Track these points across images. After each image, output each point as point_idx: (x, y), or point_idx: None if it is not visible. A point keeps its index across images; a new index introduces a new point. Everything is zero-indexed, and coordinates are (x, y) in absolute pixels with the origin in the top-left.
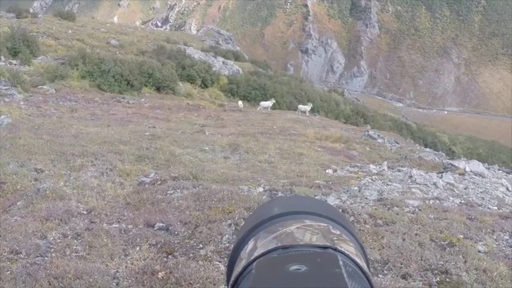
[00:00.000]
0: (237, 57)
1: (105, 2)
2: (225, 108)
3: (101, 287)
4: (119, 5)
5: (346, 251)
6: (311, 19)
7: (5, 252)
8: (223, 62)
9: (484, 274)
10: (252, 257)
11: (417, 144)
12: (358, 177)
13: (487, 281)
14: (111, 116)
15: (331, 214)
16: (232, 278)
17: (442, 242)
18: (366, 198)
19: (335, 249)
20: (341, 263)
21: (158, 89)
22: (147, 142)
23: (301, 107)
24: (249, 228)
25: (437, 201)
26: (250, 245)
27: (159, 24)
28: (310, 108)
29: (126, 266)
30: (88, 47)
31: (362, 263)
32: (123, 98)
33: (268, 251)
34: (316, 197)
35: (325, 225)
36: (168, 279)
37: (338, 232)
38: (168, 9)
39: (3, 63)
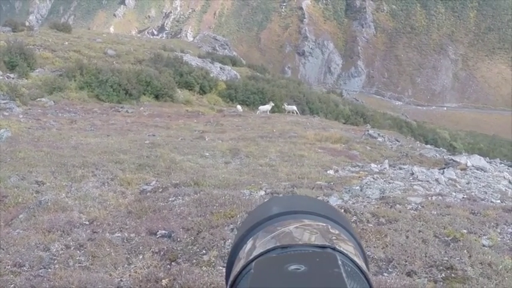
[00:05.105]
0: (234, 63)
1: (100, 12)
2: (224, 113)
3: None
4: (114, 15)
5: (345, 251)
6: (306, 21)
7: (8, 265)
8: (220, 68)
9: (489, 268)
10: (251, 257)
11: (418, 142)
12: (359, 177)
13: (492, 275)
14: (110, 125)
15: (330, 214)
16: (231, 278)
17: (446, 238)
18: (368, 197)
19: (334, 249)
20: (340, 262)
21: (157, 97)
22: (147, 150)
23: (261, 107)
24: (248, 227)
25: (440, 197)
26: (249, 244)
27: (155, 32)
28: (270, 107)
29: (129, 275)
30: (85, 58)
31: (361, 263)
32: (121, 107)
33: (267, 251)
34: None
35: (324, 224)
36: (172, 286)
37: (337, 232)
38: (164, 17)
39: (0, 77)
